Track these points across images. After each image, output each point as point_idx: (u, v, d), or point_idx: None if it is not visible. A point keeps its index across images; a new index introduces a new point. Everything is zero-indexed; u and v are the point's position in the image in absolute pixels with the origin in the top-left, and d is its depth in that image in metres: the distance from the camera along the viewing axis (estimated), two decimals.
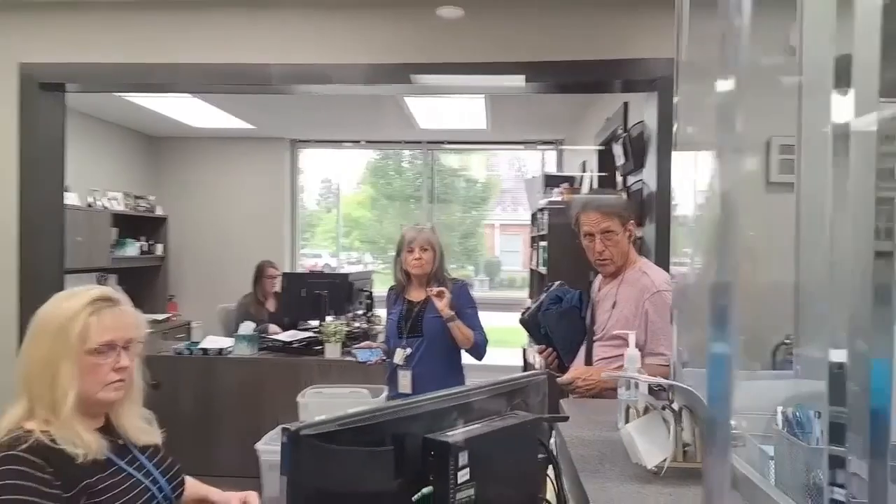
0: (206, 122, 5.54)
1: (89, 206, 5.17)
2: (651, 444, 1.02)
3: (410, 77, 2.97)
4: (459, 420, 0.86)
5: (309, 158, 6.99)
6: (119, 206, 5.53)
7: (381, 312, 4.03)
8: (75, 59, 2.91)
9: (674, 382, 1.08)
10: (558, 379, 2.24)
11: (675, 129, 1.30)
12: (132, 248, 5.65)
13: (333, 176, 7.31)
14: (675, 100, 1.31)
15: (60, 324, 1.33)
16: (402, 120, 5.39)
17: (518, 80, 3.06)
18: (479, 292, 8.67)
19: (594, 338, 2.33)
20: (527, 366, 4.62)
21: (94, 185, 5.31)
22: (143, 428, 1.48)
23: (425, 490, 0.77)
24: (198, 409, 3.75)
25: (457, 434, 0.80)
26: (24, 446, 1.23)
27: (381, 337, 3.67)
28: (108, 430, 1.41)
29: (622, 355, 2.11)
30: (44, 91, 2.95)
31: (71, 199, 4.68)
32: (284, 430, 0.70)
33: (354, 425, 0.77)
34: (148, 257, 5.90)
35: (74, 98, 3.38)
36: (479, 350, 2.85)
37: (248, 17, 2.85)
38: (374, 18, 2.86)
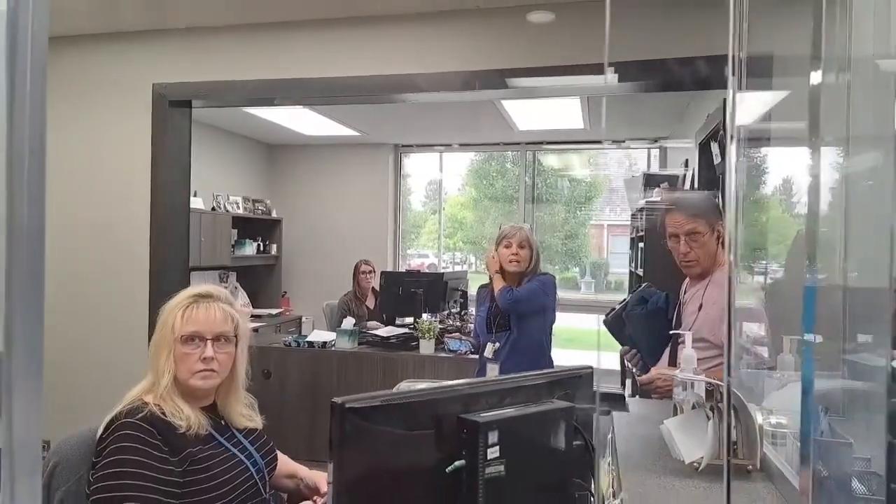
0: (317, 130, 5.88)
1: (213, 209, 5.66)
2: (690, 441, 1.04)
3: (506, 82, 3.04)
4: (497, 404, 0.93)
5: (415, 162, 7.22)
6: (239, 210, 6.01)
7: (474, 311, 4.14)
8: (200, 77, 3.24)
9: (715, 381, 1.09)
10: (639, 378, 2.24)
11: (733, 124, 1.30)
12: (250, 248, 6.12)
13: (438, 178, 7.51)
14: (730, 95, 1.31)
15: (165, 316, 1.55)
16: (500, 122, 5.47)
17: (612, 81, 3.06)
18: (585, 294, 8.57)
19: (679, 340, 2.31)
20: (624, 369, 4.55)
21: (218, 189, 5.81)
22: (245, 414, 1.66)
23: (457, 463, 0.85)
24: (303, 397, 4.03)
25: (489, 415, 0.88)
26: (139, 416, 1.44)
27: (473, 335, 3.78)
28: (213, 410, 1.61)
29: (707, 358, 2.10)
30: (173, 107, 3.30)
31: (197, 203, 5.18)
32: (333, 403, 0.81)
33: (397, 402, 0.87)
34: (264, 256, 6.37)
35: (201, 111, 3.75)
36: (503, 297, 2.88)
37: (352, 33, 3.05)
38: (467, 28, 2.97)
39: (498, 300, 2.86)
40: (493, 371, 2.90)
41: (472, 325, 4.04)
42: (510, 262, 2.89)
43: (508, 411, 0.91)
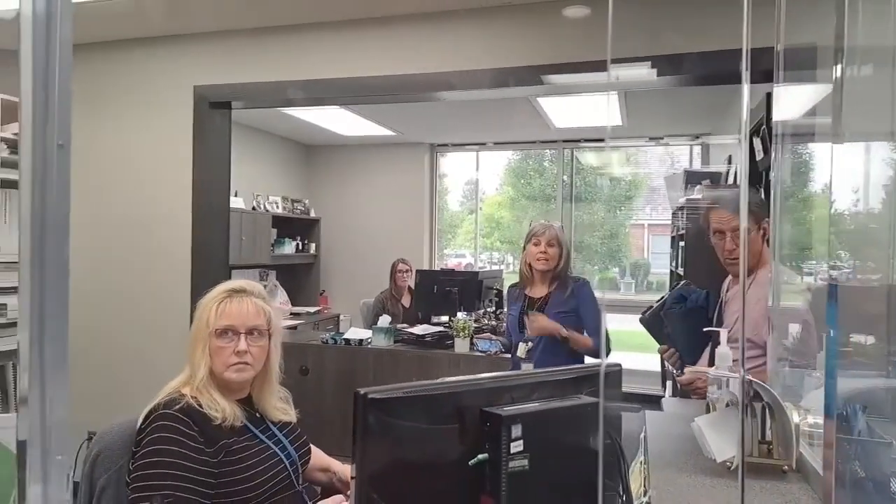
0: (353, 130, 5.94)
1: (253, 208, 5.78)
2: (722, 439, 1.01)
3: (540, 78, 3.01)
4: (522, 398, 0.93)
5: (452, 161, 7.23)
6: (278, 209, 6.12)
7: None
8: (239, 79, 3.31)
9: (754, 380, 1.06)
10: (678, 379, 2.20)
11: (774, 119, 1.25)
12: (289, 247, 6.22)
13: (475, 178, 7.50)
14: (775, 88, 1.27)
15: (201, 311, 1.59)
16: (537, 120, 5.43)
17: (650, 75, 3.00)
18: (624, 295, 8.43)
19: (719, 338, 2.25)
20: (664, 371, 4.47)
21: (258, 189, 5.93)
22: (280, 407, 1.68)
23: (480, 456, 0.85)
24: (339, 393, 4.07)
25: (512, 408, 0.88)
26: (176, 407, 1.47)
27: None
28: (248, 402, 1.64)
29: (750, 358, 2.04)
30: (213, 109, 3.38)
31: (238, 202, 5.29)
32: (356, 393, 0.82)
33: (420, 394, 0.87)
34: (302, 255, 6.46)
35: (241, 114, 3.83)
36: (593, 350, 2.83)
37: (385, 32, 3.07)
38: (500, 24, 2.96)
39: (591, 354, 2.82)
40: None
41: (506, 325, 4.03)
42: (538, 260, 2.86)
43: (532, 405, 0.90)
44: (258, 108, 4.16)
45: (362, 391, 0.82)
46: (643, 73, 2.98)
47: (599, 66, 2.93)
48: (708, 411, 1.17)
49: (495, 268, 7.69)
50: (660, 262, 9.57)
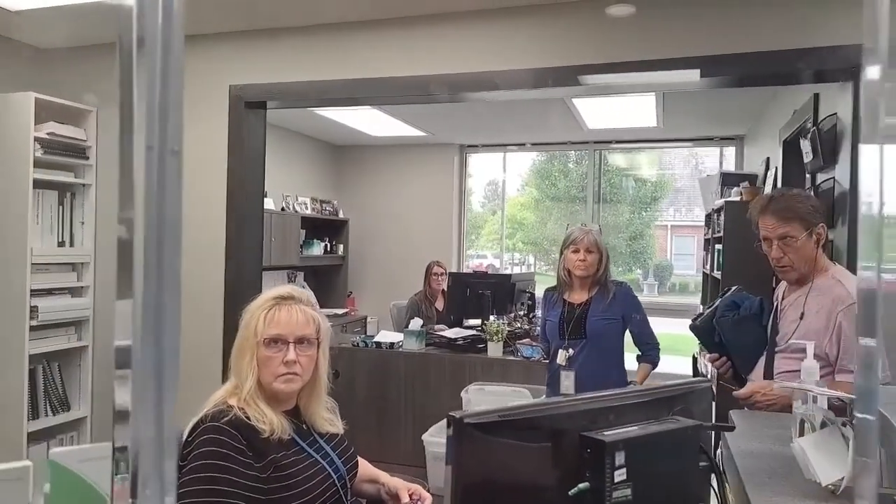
0: (383, 131, 5.89)
1: (283, 209, 5.75)
2: (827, 461, 0.94)
3: (579, 79, 2.94)
4: (617, 420, 0.86)
5: (475, 162, 7.17)
6: (307, 210, 6.08)
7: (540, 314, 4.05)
8: (274, 79, 3.27)
9: (847, 396, 0.99)
10: (735, 392, 2.12)
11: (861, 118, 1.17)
12: (317, 248, 6.19)
13: (499, 178, 7.44)
14: (864, 84, 1.18)
15: (248, 319, 1.53)
16: (570, 121, 5.35)
17: (693, 76, 2.92)
18: (647, 297, 8.32)
19: (776, 349, 2.16)
20: (696, 374, 4.38)
21: (287, 190, 5.90)
22: (327, 418, 1.62)
23: (582, 486, 0.79)
24: (370, 397, 4.03)
25: (614, 434, 0.81)
26: (224, 419, 1.41)
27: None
28: (296, 414, 1.59)
29: None
30: (248, 109, 3.34)
31: (268, 203, 5.26)
32: (450, 417, 0.76)
33: (515, 418, 0.81)
34: (330, 257, 6.43)
35: (271, 113, 3.79)
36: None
37: (422, 31, 3.02)
38: (542, 22, 2.89)
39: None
40: (567, 379, 2.81)
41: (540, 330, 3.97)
42: (577, 266, 2.80)
43: (633, 429, 0.84)
44: (288, 108, 4.12)
45: (457, 415, 0.76)
46: (686, 74, 2.90)
47: (641, 66, 2.86)
48: (801, 429, 1.10)
49: (518, 269, 7.62)
50: (683, 263, 9.46)
